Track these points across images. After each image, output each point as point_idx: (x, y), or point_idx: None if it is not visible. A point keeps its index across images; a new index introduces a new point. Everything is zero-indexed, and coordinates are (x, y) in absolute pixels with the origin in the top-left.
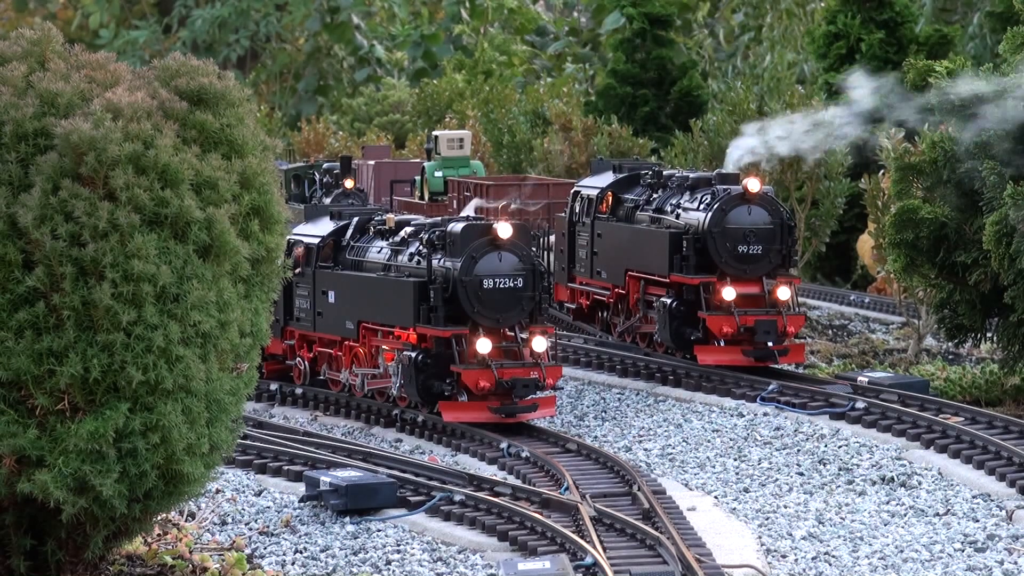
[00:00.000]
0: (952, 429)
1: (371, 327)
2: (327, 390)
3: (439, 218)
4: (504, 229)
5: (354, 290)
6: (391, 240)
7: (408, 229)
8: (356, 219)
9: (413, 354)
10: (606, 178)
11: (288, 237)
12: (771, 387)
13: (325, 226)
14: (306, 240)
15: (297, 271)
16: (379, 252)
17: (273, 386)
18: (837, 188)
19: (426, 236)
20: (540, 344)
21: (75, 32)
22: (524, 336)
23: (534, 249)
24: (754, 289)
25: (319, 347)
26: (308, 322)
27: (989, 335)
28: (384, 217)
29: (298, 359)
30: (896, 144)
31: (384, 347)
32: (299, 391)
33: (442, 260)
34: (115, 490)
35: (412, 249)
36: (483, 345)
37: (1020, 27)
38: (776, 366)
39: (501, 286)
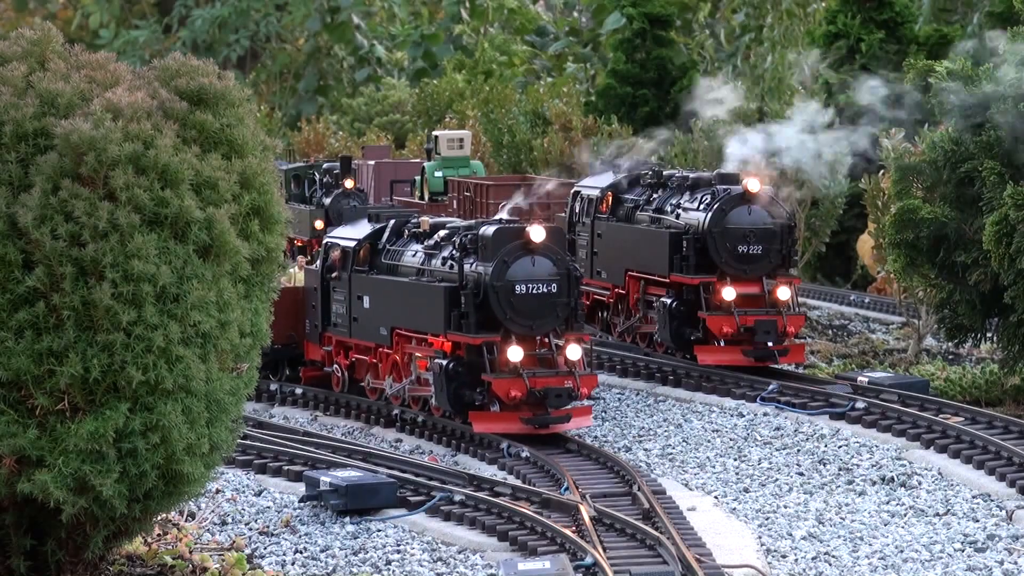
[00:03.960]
0: (952, 429)
1: (404, 334)
2: (364, 398)
3: (473, 221)
4: (537, 232)
5: (387, 295)
6: (426, 243)
7: (442, 232)
8: (393, 221)
9: (444, 362)
10: (606, 178)
11: (326, 240)
12: (771, 387)
13: (362, 229)
14: (342, 243)
15: (334, 275)
16: (414, 256)
17: (273, 386)
18: (837, 188)
19: (459, 240)
20: (575, 352)
21: (75, 32)
22: (559, 343)
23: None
24: (754, 289)
25: (355, 353)
26: (344, 328)
27: (989, 335)
28: (419, 220)
29: (335, 366)
30: (896, 144)
31: (417, 354)
32: (299, 391)
33: (474, 264)
34: (115, 490)
35: (446, 253)
36: (514, 353)
37: (1020, 27)
38: (776, 366)
39: (534, 291)
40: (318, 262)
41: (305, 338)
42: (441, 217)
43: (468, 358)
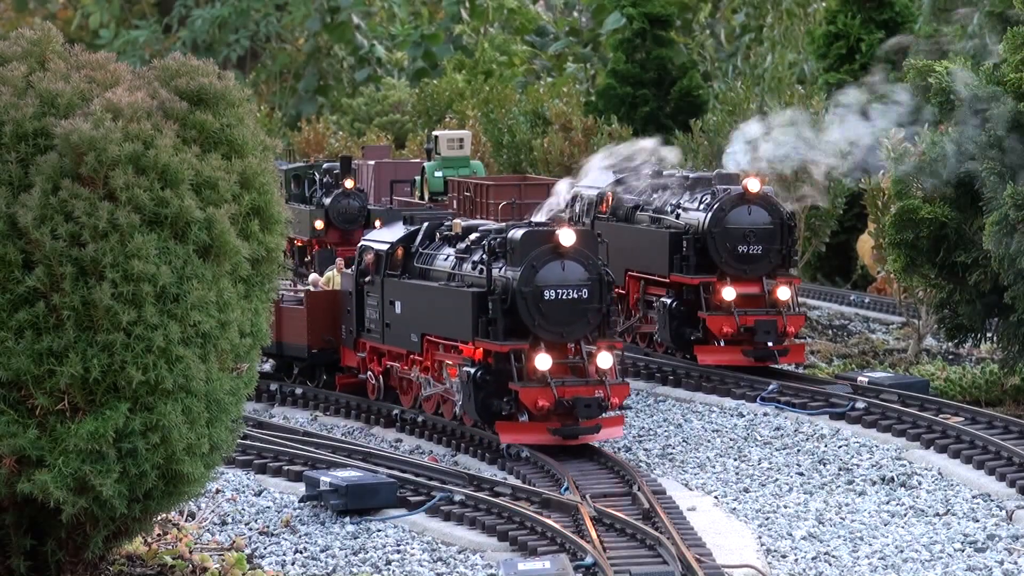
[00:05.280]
0: (952, 429)
1: (434, 340)
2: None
3: (503, 224)
4: (567, 236)
5: (418, 300)
6: (457, 247)
7: (473, 236)
8: (426, 224)
9: (472, 370)
10: (606, 178)
11: (360, 243)
12: (771, 387)
13: (396, 232)
14: (375, 246)
15: (367, 279)
16: (445, 260)
17: (273, 386)
18: (837, 188)
19: (488, 243)
20: (606, 360)
21: (75, 32)
22: (591, 350)
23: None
24: (754, 289)
25: (388, 360)
26: (377, 334)
27: (989, 335)
28: (451, 223)
29: (369, 373)
30: (896, 144)
31: (448, 362)
32: (299, 391)
33: (503, 269)
34: (115, 490)
35: (476, 257)
36: (542, 361)
37: (1020, 27)
38: (776, 366)
39: (564, 297)
40: (353, 266)
41: (341, 343)
42: (474, 219)
43: (496, 366)
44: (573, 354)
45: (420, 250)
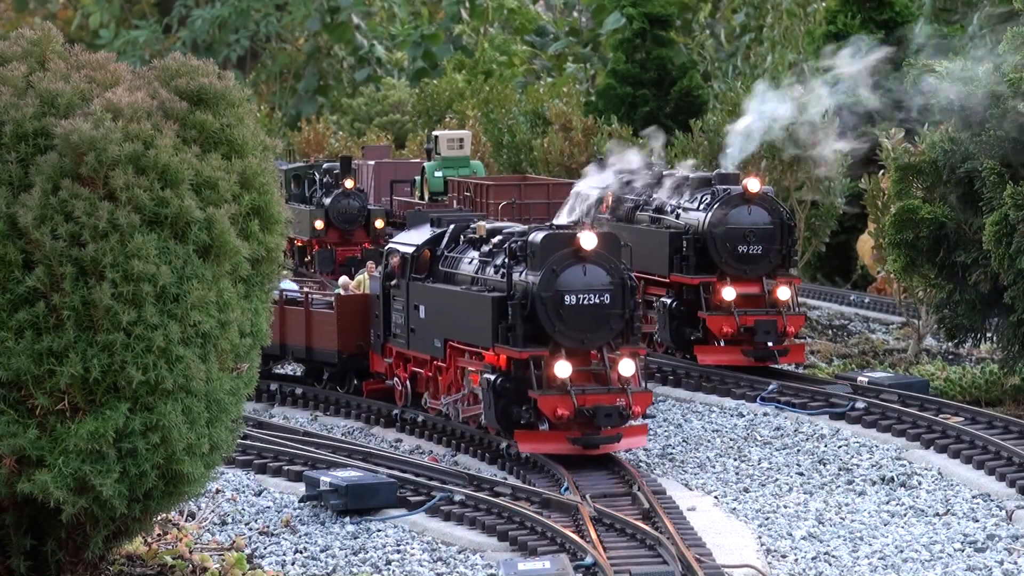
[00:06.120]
0: (952, 429)
1: (457, 346)
2: (421, 412)
3: (526, 227)
4: (588, 239)
5: (440, 305)
6: (481, 250)
7: (497, 238)
8: (452, 226)
9: (492, 377)
10: (605, 178)
11: (388, 245)
12: (771, 387)
13: (422, 234)
14: (402, 249)
15: (393, 283)
16: (470, 263)
17: (273, 386)
18: (837, 188)
19: (509, 247)
20: (628, 367)
21: (75, 32)
22: (614, 357)
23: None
24: (754, 289)
25: (413, 366)
26: (403, 339)
27: (989, 335)
28: (475, 225)
29: (395, 379)
30: (896, 144)
31: (470, 368)
32: (299, 391)
33: (523, 273)
34: (115, 490)
35: (498, 261)
36: (562, 368)
37: (1020, 27)
38: (776, 366)
39: (585, 302)
40: (379, 268)
41: (371, 348)
42: (499, 222)
43: (516, 373)
44: (595, 361)
45: (446, 253)
